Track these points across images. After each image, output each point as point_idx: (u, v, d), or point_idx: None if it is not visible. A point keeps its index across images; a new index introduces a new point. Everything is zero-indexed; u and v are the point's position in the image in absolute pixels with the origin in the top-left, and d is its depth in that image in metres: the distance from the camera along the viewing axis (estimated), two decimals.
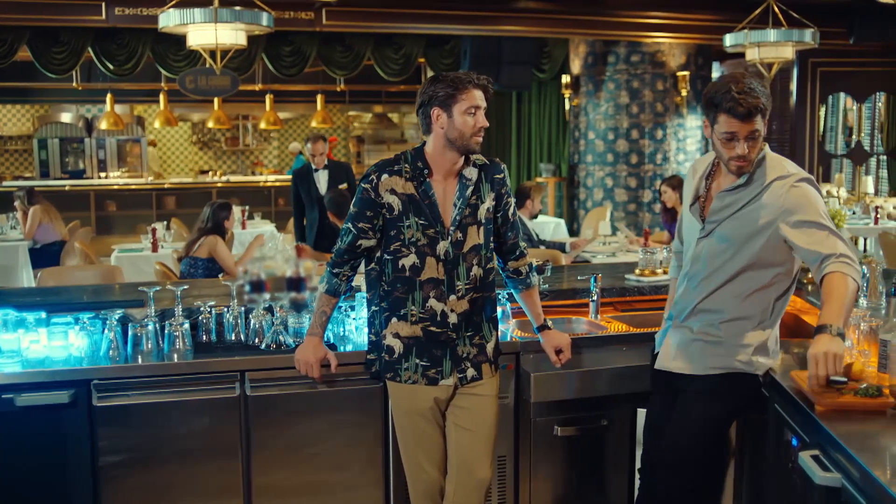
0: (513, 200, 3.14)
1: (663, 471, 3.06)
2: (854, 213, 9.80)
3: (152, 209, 13.43)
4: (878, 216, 9.23)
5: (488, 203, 3.03)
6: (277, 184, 14.59)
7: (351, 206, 3.03)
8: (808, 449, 2.49)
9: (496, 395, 3.10)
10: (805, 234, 2.76)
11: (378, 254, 3.02)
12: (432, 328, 2.98)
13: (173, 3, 6.47)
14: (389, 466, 3.42)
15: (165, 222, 9.40)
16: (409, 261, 2.96)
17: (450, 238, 2.96)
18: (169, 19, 6.32)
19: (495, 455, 3.15)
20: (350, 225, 3.01)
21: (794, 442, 2.65)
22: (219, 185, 14.37)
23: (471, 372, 3.03)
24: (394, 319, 3.00)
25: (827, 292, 2.64)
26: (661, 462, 3.07)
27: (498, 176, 3.06)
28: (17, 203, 8.71)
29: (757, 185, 2.87)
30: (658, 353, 3.14)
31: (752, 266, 2.90)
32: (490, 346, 3.09)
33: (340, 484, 3.41)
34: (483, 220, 3.02)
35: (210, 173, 15.72)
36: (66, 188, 13.68)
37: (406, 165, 2.97)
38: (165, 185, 14.23)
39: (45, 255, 8.33)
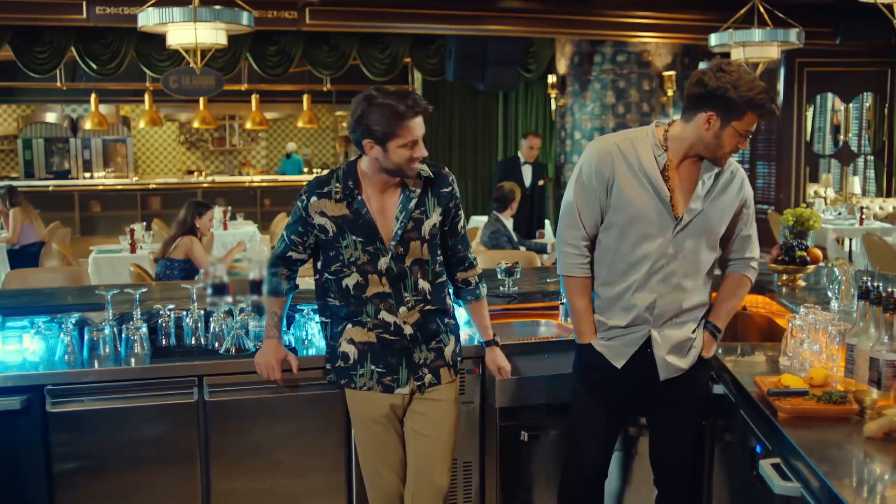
0: (461, 213, 3.01)
1: (686, 471, 3.09)
2: (840, 213, 9.76)
3: (137, 210, 13.32)
4: (864, 216, 9.18)
5: (434, 219, 2.89)
6: (264, 184, 14.47)
7: None
8: (770, 457, 2.44)
9: (455, 399, 3.03)
10: (748, 225, 2.99)
11: (319, 266, 2.96)
12: (386, 336, 2.91)
13: (152, 1, 6.39)
14: (352, 472, 3.35)
15: (146, 223, 9.30)
16: (351, 280, 2.87)
17: (391, 253, 2.85)
18: (148, 18, 6.24)
19: (458, 461, 3.08)
20: (285, 233, 2.96)
21: (759, 449, 2.60)
22: (204, 185, 14.23)
23: (428, 378, 2.96)
24: (348, 325, 2.93)
25: (731, 291, 3.02)
26: (690, 461, 3.08)
27: (445, 190, 2.92)
28: None
29: (728, 171, 2.91)
30: (624, 366, 2.96)
31: (713, 254, 2.95)
32: (448, 350, 3.01)
33: (302, 490, 3.34)
34: (427, 237, 2.88)
35: (196, 174, 15.61)
36: (50, 188, 13.57)
37: (337, 185, 2.85)
38: (150, 186, 14.10)
39: (24, 257, 8.20)
